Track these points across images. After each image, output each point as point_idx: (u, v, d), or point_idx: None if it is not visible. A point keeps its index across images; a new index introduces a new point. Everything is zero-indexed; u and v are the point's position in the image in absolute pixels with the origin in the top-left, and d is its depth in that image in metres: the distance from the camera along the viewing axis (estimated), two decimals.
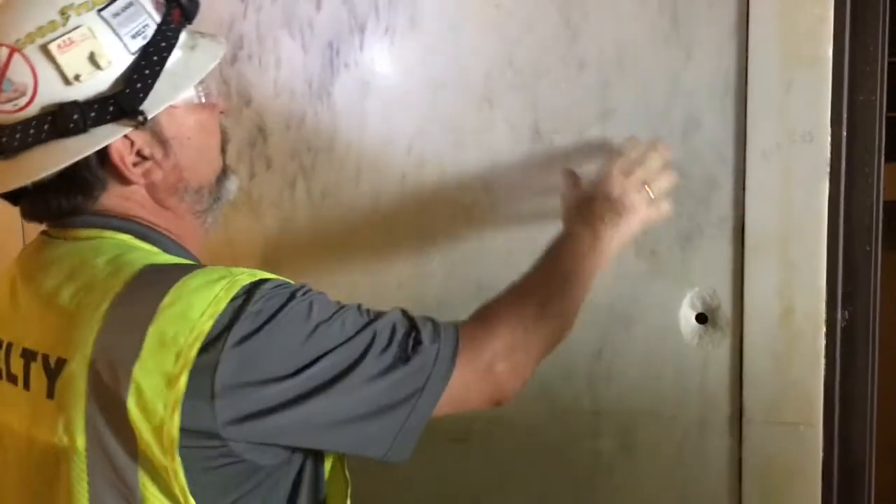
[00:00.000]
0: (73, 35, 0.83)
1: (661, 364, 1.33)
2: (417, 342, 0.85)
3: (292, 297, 0.84)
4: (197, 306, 0.80)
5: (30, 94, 0.83)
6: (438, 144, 1.37)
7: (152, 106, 0.85)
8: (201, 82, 0.92)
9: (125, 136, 0.86)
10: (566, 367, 1.35)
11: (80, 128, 0.83)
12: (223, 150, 1.00)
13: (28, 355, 0.87)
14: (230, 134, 1.03)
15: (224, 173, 0.99)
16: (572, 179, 1.19)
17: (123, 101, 0.84)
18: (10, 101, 0.84)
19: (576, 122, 1.31)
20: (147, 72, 0.85)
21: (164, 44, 0.87)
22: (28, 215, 0.94)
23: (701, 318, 1.31)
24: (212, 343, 0.78)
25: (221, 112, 1.00)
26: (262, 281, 0.85)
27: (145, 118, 0.85)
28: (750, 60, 1.22)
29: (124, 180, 0.90)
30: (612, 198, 1.08)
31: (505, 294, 1.01)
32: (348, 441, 0.86)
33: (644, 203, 1.10)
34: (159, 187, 0.92)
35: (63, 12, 0.83)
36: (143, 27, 0.87)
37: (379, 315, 0.88)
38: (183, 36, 0.91)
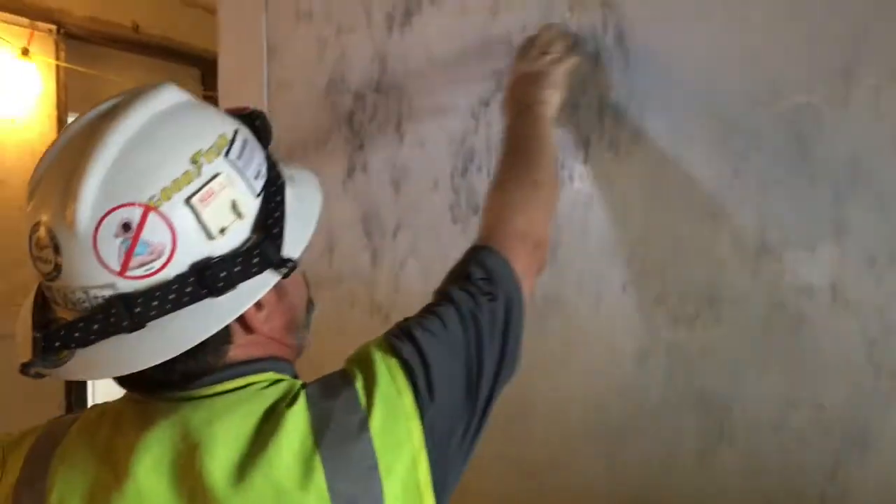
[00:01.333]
0: (212, 185, 0.74)
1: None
2: (487, 293, 0.95)
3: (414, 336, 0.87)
4: (383, 383, 0.81)
5: (167, 254, 0.73)
6: (661, 255, 1.38)
7: (292, 250, 0.79)
8: None
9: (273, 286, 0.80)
10: (797, 488, 1.29)
11: (230, 285, 0.75)
12: (304, 278, 0.94)
13: None
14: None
15: (311, 303, 0.95)
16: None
17: (268, 251, 0.77)
18: (142, 265, 0.73)
19: (807, 236, 1.28)
20: (277, 214, 0.79)
21: (279, 181, 0.81)
22: (133, 385, 0.82)
23: None
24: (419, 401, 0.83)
25: None
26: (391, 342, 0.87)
27: (294, 265, 0.78)
28: None
29: (250, 330, 0.82)
30: (526, 72, 1.32)
31: (501, 190, 1.16)
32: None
33: (553, 61, 1.33)
34: (277, 329, 0.86)
35: (195, 160, 0.74)
36: (260, 165, 0.81)
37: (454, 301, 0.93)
38: (283, 168, 0.86)
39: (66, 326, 0.74)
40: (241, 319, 0.80)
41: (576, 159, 1.45)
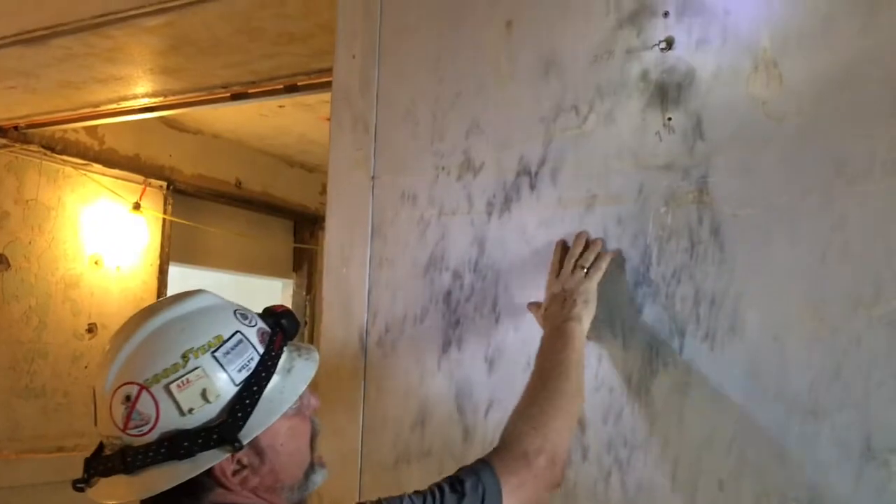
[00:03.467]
0: (190, 375, 0.98)
1: None
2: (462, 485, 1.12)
3: None
4: None
5: (152, 422, 0.98)
6: (759, 452, 1.36)
7: (248, 432, 1.00)
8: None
9: (228, 456, 1.00)
10: None
11: (189, 453, 0.98)
12: (312, 445, 1.11)
13: None
14: (316, 426, 1.14)
15: (311, 467, 1.11)
16: (535, 306, 1.55)
17: (224, 432, 0.98)
18: (136, 427, 0.99)
19: None
20: (247, 401, 1.00)
21: (264, 373, 1.03)
22: None
23: None
24: None
25: (315, 411, 1.12)
26: None
27: (241, 445, 0.99)
28: None
29: (225, 486, 1.02)
30: (558, 292, 1.47)
31: (525, 405, 1.29)
32: None
33: (582, 278, 1.47)
34: (258, 489, 1.04)
35: (185, 356, 0.99)
36: (248, 360, 1.03)
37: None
38: (282, 358, 1.07)
39: (94, 459, 1.04)
40: (215, 477, 1.01)
41: (671, 348, 1.46)
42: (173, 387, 0.98)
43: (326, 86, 2.59)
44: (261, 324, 1.08)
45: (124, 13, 2.31)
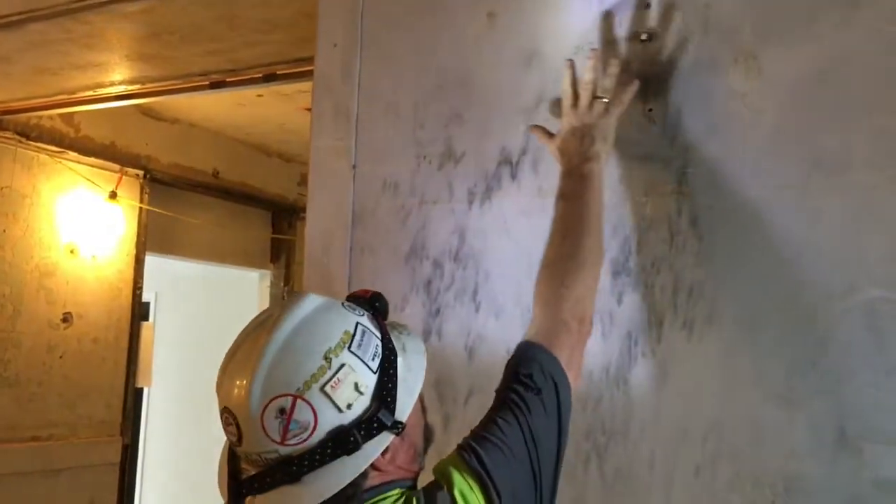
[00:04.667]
0: (339, 374, 1.00)
1: None
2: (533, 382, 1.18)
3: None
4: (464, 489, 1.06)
5: (311, 427, 0.99)
6: (735, 440, 1.38)
7: (401, 414, 1.03)
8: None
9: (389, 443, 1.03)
10: None
11: (356, 446, 1.00)
12: (423, 410, 1.17)
13: None
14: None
15: (428, 430, 1.18)
16: (545, 132, 1.54)
17: (384, 418, 1.01)
18: (296, 436, 0.99)
19: (887, 430, 1.28)
20: (390, 386, 1.04)
21: (392, 356, 1.06)
22: None
23: None
24: None
25: None
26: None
27: (403, 426, 1.03)
28: None
29: (378, 469, 1.05)
30: (577, 126, 1.44)
31: (549, 271, 1.35)
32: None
33: (602, 112, 1.44)
34: (403, 464, 1.09)
35: (326, 357, 1.01)
36: (376, 347, 1.05)
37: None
38: (396, 339, 1.10)
39: (248, 480, 1.03)
40: (372, 463, 1.03)
41: (649, 338, 1.48)
42: (328, 388, 0.99)
43: (306, 75, 2.59)
44: (365, 311, 1.10)
45: None
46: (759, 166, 1.42)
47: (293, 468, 1.00)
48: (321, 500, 1.01)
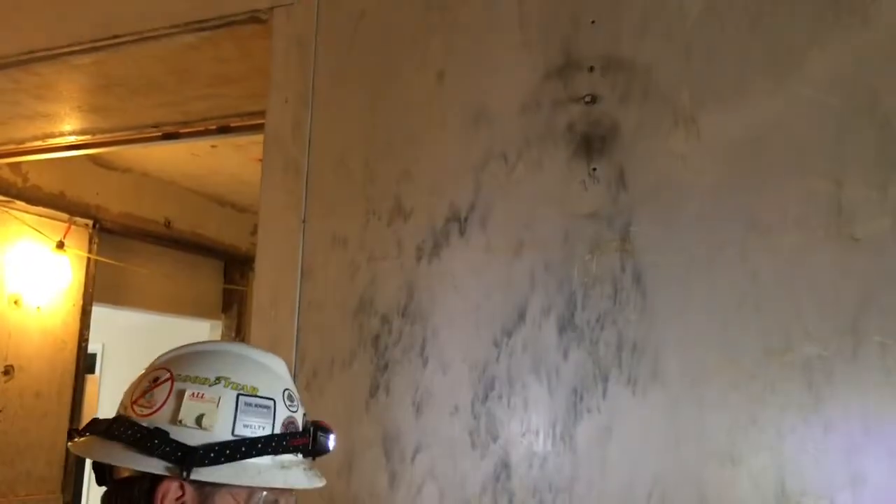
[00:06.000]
0: (207, 394, 1.01)
1: None
2: None
3: None
4: None
5: (153, 409, 1.01)
6: (679, 495, 1.39)
7: (205, 475, 0.98)
8: (275, 498, 1.03)
9: (178, 482, 0.98)
10: None
11: (150, 450, 0.98)
12: None
13: None
14: None
15: None
16: None
17: (188, 455, 0.98)
18: (142, 406, 1.02)
19: (825, 485, 1.30)
20: (227, 451, 1.00)
21: (260, 446, 1.02)
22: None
23: None
24: None
25: None
26: None
27: (188, 476, 0.98)
28: None
29: None
30: None
31: None
32: None
33: None
34: None
35: (218, 378, 1.02)
36: (259, 427, 1.03)
37: None
38: (289, 457, 1.04)
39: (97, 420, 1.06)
40: (155, 496, 0.99)
41: (595, 393, 1.49)
42: (188, 393, 1.01)
43: (260, 127, 2.58)
44: (298, 418, 1.08)
45: (53, 51, 2.28)
46: (699, 226, 1.46)
47: (114, 425, 1.02)
48: (101, 459, 1.02)
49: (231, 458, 1.00)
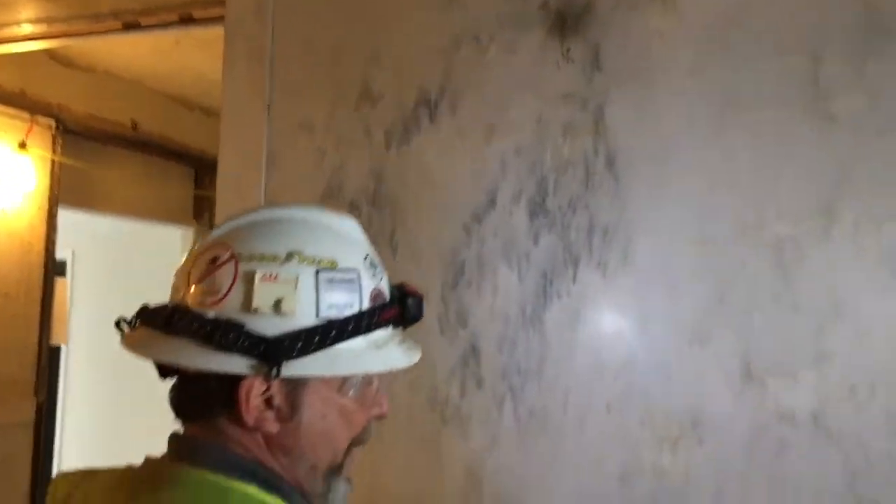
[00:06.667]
0: (282, 274, 0.85)
1: None
2: None
3: None
4: None
5: (219, 296, 0.85)
6: (646, 376, 1.40)
7: (295, 369, 0.85)
8: (370, 379, 0.92)
9: (263, 378, 0.85)
10: None
11: (225, 346, 0.84)
12: (349, 448, 0.93)
13: None
14: (370, 431, 0.95)
15: (337, 470, 0.93)
16: None
17: (271, 348, 0.84)
18: (203, 293, 0.86)
19: (790, 363, 1.31)
20: (316, 339, 0.85)
21: (351, 328, 0.87)
22: (171, 402, 0.93)
23: None
24: None
25: (378, 417, 0.95)
26: None
27: (278, 372, 0.84)
28: None
29: (243, 421, 0.86)
30: None
31: None
32: None
33: None
34: (272, 441, 0.89)
35: (290, 255, 0.86)
36: (346, 305, 0.87)
37: None
38: (381, 333, 0.90)
39: (149, 309, 0.92)
40: (237, 393, 0.85)
41: (565, 277, 1.48)
42: (259, 274, 0.85)
43: (223, 19, 2.49)
44: (384, 286, 0.93)
45: None
46: (674, 105, 1.43)
47: (175, 317, 0.87)
48: (167, 360, 0.88)
49: (321, 346, 0.85)
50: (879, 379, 1.25)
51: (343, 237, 0.92)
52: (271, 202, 0.92)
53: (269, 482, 0.87)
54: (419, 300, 0.95)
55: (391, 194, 1.64)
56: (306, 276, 0.85)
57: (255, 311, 0.84)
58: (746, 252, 1.35)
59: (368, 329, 0.88)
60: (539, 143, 1.52)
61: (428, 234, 1.61)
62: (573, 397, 1.45)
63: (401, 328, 0.95)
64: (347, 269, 0.88)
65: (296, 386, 0.86)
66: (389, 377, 0.95)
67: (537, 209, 1.52)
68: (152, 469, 0.90)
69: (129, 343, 0.91)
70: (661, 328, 1.40)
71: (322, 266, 0.86)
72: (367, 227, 1.64)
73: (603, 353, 1.44)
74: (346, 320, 0.86)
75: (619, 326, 1.43)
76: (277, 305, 0.84)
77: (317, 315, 0.85)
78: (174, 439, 0.91)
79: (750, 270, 1.34)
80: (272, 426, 0.87)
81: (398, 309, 0.92)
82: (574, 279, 1.48)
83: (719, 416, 1.34)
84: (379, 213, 1.66)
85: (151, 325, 0.89)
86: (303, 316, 0.85)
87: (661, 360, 1.39)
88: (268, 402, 0.86)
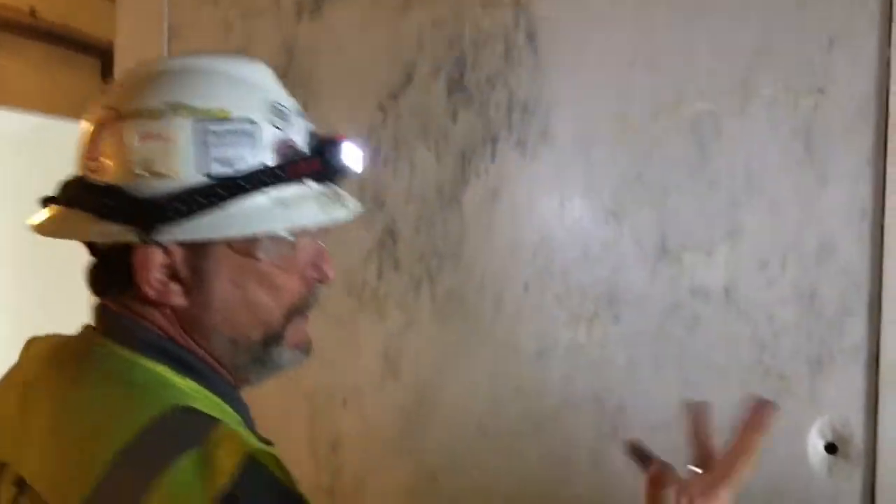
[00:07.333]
0: (157, 130, 0.78)
1: (787, 492, 1.28)
2: None
3: None
4: None
5: (105, 163, 0.80)
6: (563, 255, 1.39)
7: (186, 230, 0.78)
8: (292, 239, 0.84)
9: (162, 248, 0.79)
10: None
11: (103, 212, 0.79)
12: (289, 316, 0.87)
13: (22, 486, 0.80)
14: (313, 297, 0.90)
15: (276, 339, 0.86)
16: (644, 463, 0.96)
17: (147, 210, 0.78)
18: (92, 159, 0.81)
19: (705, 239, 1.31)
20: (198, 199, 0.77)
21: (247, 185, 0.79)
22: (86, 279, 0.87)
23: (831, 449, 1.26)
24: None
25: (319, 282, 0.89)
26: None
27: (150, 232, 0.78)
28: (888, 189, 1.20)
29: (143, 292, 0.81)
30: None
31: None
32: None
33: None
34: (183, 316, 0.83)
35: (173, 109, 0.79)
36: (239, 159, 0.79)
37: None
38: (294, 190, 0.82)
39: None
40: (134, 268, 0.80)
41: (483, 156, 1.44)
42: (136, 134, 0.78)
43: None
44: (298, 137, 0.84)
45: None
46: None
47: (71, 190, 0.83)
48: (54, 236, 0.83)
49: (206, 206, 0.77)
50: (790, 253, 1.27)
51: (244, 84, 0.83)
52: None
53: (183, 361, 0.83)
54: (338, 147, 0.86)
55: (303, 70, 1.56)
56: (186, 129, 0.78)
57: (138, 174, 0.78)
58: (665, 129, 1.33)
59: (270, 185, 0.79)
60: (457, 16, 1.45)
61: (342, 112, 1.54)
62: (490, 278, 1.44)
63: (332, 185, 0.87)
64: (241, 120, 0.80)
65: (199, 254, 0.80)
66: (334, 239, 0.90)
67: (455, 86, 1.46)
68: (77, 340, 0.88)
69: (37, 225, 0.85)
70: (579, 206, 1.38)
71: (209, 117, 0.79)
72: None
73: (520, 233, 1.42)
74: (235, 177, 0.78)
75: (537, 205, 1.41)
76: (156, 165, 0.77)
77: (204, 173, 0.78)
78: (94, 311, 0.87)
79: (667, 148, 1.33)
80: (179, 299, 0.82)
81: (317, 163, 0.84)
82: (493, 158, 1.44)
83: (635, 292, 1.35)
84: (290, 91, 1.57)
85: (57, 203, 0.84)
86: (187, 175, 0.78)
87: (579, 239, 1.38)
88: (173, 275, 0.81)
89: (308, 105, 1.56)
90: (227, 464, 0.72)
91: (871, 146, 1.23)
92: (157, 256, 0.80)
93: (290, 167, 0.82)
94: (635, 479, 1.35)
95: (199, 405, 0.79)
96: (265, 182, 0.79)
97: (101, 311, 0.87)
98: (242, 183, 0.78)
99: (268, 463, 0.75)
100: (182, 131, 0.78)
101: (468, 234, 1.45)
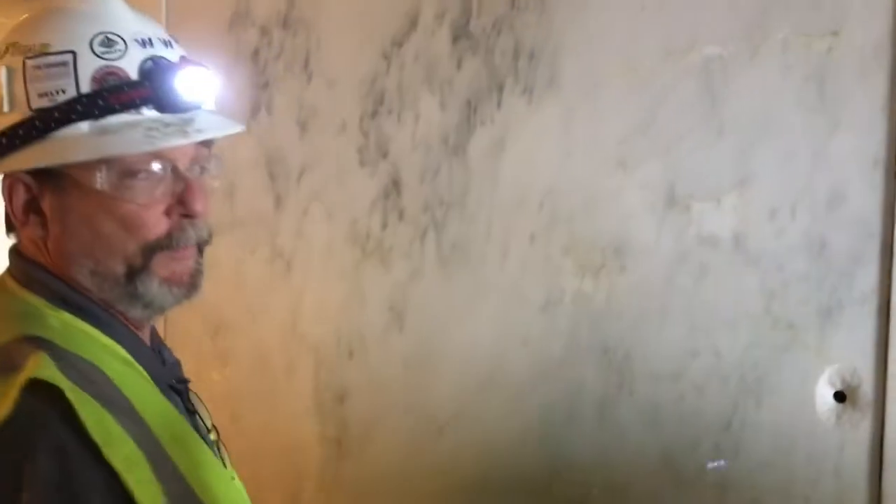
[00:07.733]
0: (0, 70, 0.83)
1: (795, 441, 1.28)
2: None
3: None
4: None
5: None
6: (570, 205, 1.37)
7: (18, 161, 0.82)
8: (134, 171, 0.83)
9: (22, 182, 0.84)
10: (693, 437, 1.31)
11: None
12: (151, 249, 0.85)
13: None
14: (197, 234, 0.86)
15: (140, 272, 0.85)
16: None
17: None
18: None
19: (713, 187, 1.29)
20: (21, 132, 0.82)
21: (58, 115, 0.81)
22: None
23: (839, 397, 1.26)
24: None
25: (184, 216, 0.86)
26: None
27: None
28: None
29: (14, 220, 0.87)
30: None
31: None
32: None
33: None
34: (51, 249, 0.86)
35: (6, 47, 0.84)
36: (56, 91, 0.81)
37: None
38: (120, 118, 0.82)
39: None
40: (8, 209, 0.85)
41: (489, 104, 1.41)
42: None
43: None
44: (127, 66, 0.82)
45: None
46: None
47: None
48: None
49: (29, 139, 0.81)
50: (801, 201, 1.25)
51: (74, 17, 0.84)
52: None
53: (57, 293, 0.85)
54: (169, 73, 0.83)
55: (304, 16, 1.53)
56: (16, 67, 0.82)
57: None
58: (674, 75, 1.30)
59: (89, 115, 0.81)
60: None
61: (345, 59, 1.51)
62: (496, 228, 1.42)
63: (171, 112, 0.84)
64: (59, 52, 0.82)
65: (55, 189, 0.84)
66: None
67: (460, 32, 1.43)
68: None
69: None
70: (587, 155, 1.36)
71: (32, 53, 0.82)
72: (279, 55, 1.55)
73: (527, 182, 1.40)
74: (54, 108, 0.81)
75: (544, 154, 1.39)
76: None
77: (30, 108, 0.82)
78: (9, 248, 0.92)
79: (677, 94, 1.30)
80: (38, 230, 0.86)
81: (146, 90, 0.82)
82: (499, 106, 1.41)
83: (642, 242, 1.33)
84: (292, 39, 1.54)
85: None
86: (19, 111, 0.82)
87: (586, 188, 1.36)
88: (37, 209, 0.85)
89: (310, 53, 1.54)
90: (13, 393, 0.74)
91: (886, 92, 1.20)
92: (20, 190, 0.84)
93: (113, 95, 0.82)
94: (642, 430, 1.36)
95: (56, 337, 0.81)
96: (82, 112, 0.81)
97: (10, 249, 0.91)
98: (57, 114, 0.81)
99: (73, 400, 0.74)
100: (13, 68, 0.82)
101: (474, 183, 1.43)
